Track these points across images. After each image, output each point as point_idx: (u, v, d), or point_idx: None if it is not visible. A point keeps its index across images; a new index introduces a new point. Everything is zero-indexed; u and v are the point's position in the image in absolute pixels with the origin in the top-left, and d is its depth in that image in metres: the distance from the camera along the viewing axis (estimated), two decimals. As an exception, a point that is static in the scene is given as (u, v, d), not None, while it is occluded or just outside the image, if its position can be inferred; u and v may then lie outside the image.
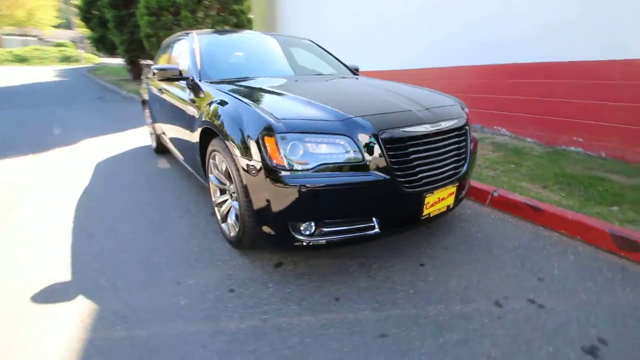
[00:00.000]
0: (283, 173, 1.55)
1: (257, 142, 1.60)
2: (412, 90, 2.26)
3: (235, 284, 1.76)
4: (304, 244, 1.64)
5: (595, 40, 3.29)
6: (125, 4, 12.49)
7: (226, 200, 2.13)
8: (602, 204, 2.49)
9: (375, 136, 1.61)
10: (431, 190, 1.74)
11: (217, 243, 2.17)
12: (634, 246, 1.90)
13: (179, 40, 3.54)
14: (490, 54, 4.32)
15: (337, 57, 3.41)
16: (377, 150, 1.60)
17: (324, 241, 1.64)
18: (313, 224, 1.62)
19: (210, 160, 2.13)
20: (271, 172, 1.56)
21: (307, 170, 1.55)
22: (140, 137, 5.42)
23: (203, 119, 2.06)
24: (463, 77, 4.69)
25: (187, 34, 3.04)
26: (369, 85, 2.39)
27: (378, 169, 1.61)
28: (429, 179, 1.73)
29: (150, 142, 4.72)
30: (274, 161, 1.56)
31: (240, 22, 11.24)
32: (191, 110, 2.38)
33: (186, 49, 2.98)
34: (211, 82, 2.38)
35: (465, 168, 1.95)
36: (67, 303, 1.65)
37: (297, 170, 1.55)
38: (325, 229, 1.63)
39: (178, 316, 1.55)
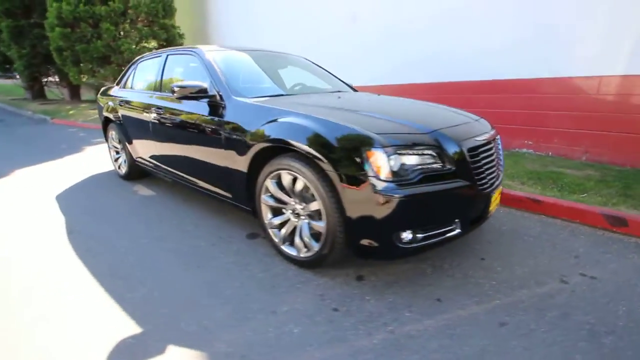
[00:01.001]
0: (388, 185, 1.60)
1: (359, 157, 1.63)
2: (442, 106, 2.51)
3: (335, 303, 1.72)
4: (406, 251, 1.71)
5: (538, 62, 4.06)
6: (25, 12, 10.71)
7: (286, 220, 2.06)
8: (574, 193, 3.06)
9: (460, 145, 1.78)
10: (493, 191, 1.98)
11: (280, 266, 2.07)
12: (623, 222, 2.42)
13: (155, 57, 3.29)
14: (447, 74, 4.94)
15: (334, 74, 3.54)
16: (461, 158, 1.77)
17: (420, 246, 1.73)
18: (411, 231, 1.70)
19: (269, 180, 2.04)
20: (376, 185, 1.60)
21: (409, 181, 1.64)
22: (88, 163, 4.74)
23: (268, 137, 1.96)
24: (424, 93, 5.24)
25: (190, 50, 2.82)
26: (411, 101, 2.59)
27: (462, 175, 1.77)
28: (492, 181, 1.97)
29: (112, 167, 4.16)
30: (379, 175, 1.61)
31: (171, 37, 10.61)
32: (226, 131, 2.24)
33: (192, 66, 2.79)
34: (248, 99, 2.30)
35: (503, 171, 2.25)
36: (162, 357, 1.41)
37: (400, 182, 1.62)
38: (419, 235, 1.72)
39: (302, 344, 1.46)
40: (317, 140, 1.74)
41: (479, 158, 1.86)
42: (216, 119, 2.33)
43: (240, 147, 2.16)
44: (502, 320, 1.59)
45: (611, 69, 3.50)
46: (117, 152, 4.01)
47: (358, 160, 1.62)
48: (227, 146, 2.25)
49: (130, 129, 3.48)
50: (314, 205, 1.84)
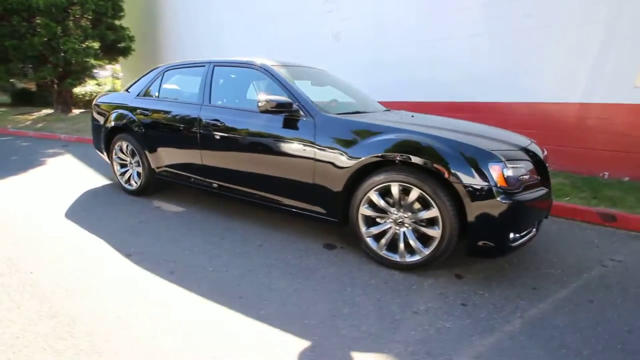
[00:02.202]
0: (506, 194, 1.90)
1: (485, 170, 1.90)
2: (492, 126, 2.91)
3: (458, 299, 1.94)
4: (510, 249, 2.02)
5: (510, 88, 4.86)
6: None
7: (388, 228, 2.23)
8: (560, 197, 3.77)
9: (541, 159, 2.18)
10: (549, 197, 2.43)
11: (383, 272, 2.21)
12: (613, 218, 3.11)
13: (192, 67, 3.20)
14: (428, 94, 5.56)
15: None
16: (542, 169, 2.17)
17: (517, 245, 2.06)
18: (515, 232, 2.02)
19: (372, 192, 2.18)
20: (497, 194, 1.89)
21: (517, 190, 1.96)
22: (67, 177, 4.28)
23: (384, 152, 2.11)
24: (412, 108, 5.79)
25: (249, 63, 2.80)
26: (469, 122, 2.87)
27: (544, 183, 2.17)
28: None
29: (106, 182, 3.76)
30: (499, 185, 1.90)
31: (120, 39, 9.76)
32: (320, 147, 2.33)
33: (253, 80, 2.79)
34: (336, 115, 2.43)
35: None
36: (351, 362, 1.47)
37: (512, 191, 1.93)
38: (518, 235, 2.06)
39: (464, 335, 1.65)
40: (443, 156, 1.98)
41: (547, 169, 2.29)
42: (306, 134, 2.40)
43: (339, 162, 2.27)
44: (589, 298, 1.99)
45: (571, 97, 4.39)
46: (123, 166, 3.67)
47: (484, 172, 1.90)
48: (320, 161, 2.34)
49: (156, 140, 3.25)
50: (429, 214, 2.05)
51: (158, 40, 10.52)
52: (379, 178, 2.16)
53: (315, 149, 2.35)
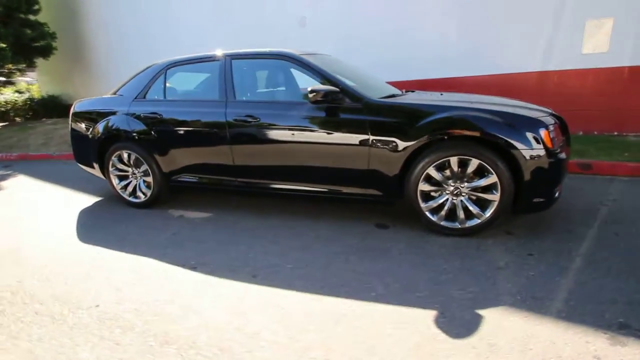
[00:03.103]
0: (553, 154, 2.19)
1: (538, 135, 2.15)
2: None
3: (524, 251, 2.21)
4: (554, 203, 2.34)
5: (478, 63, 5.33)
6: None
7: (445, 200, 2.41)
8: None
9: (563, 122, 2.51)
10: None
11: (446, 241, 2.39)
12: (589, 166, 3.70)
13: (204, 62, 3.00)
14: (400, 73, 5.84)
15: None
16: (566, 132, 2.51)
17: (556, 199, 2.38)
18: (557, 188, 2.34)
19: (431, 168, 2.33)
20: (550, 154, 2.17)
21: (559, 150, 2.26)
22: (37, 197, 3.80)
23: (451, 129, 2.27)
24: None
25: (276, 53, 2.71)
26: (491, 96, 3.08)
27: (568, 144, 2.52)
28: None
29: (106, 196, 3.39)
30: (549, 147, 2.17)
31: (39, 36, 8.46)
32: (373, 131, 2.41)
33: (282, 71, 2.71)
34: (382, 100, 2.51)
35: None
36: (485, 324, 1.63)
37: (557, 151, 2.23)
38: (557, 191, 2.38)
39: (555, 276, 1.91)
40: (500, 127, 2.19)
41: (568, 131, 2.65)
42: (357, 121, 2.45)
43: (396, 145, 2.37)
44: (614, 231, 2.41)
45: (530, 67, 4.99)
46: (123, 178, 3.33)
47: (536, 137, 2.16)
48: (375, 146, 2.42)
49: (171, 145, 3.00)
50: (488, 181, 2.26)
51: (83, 37, 9.31)
52: (437, 154, 2.32)
53: (369, 135, 2.42)
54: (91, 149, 3.34)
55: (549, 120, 2.35)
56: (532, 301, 1.75)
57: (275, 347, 1.55)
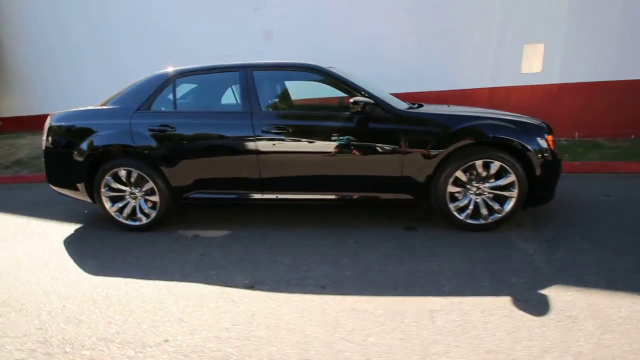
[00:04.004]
0: (555, 155, 2.62)
1: (544, 140, 2.56)
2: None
3: (543, 237, 2.57)
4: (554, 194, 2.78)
5: (437, 79, 5.95)
6: None
7: (469, 200, 2.68)
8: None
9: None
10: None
11: (475, 236, 2.65)
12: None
13: (220, 72, 2.90)
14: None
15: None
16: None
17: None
18: (555, 183, 2.78)
19: (459, 172, 2.58)
20: (554, 155, 2.59)
21: (557, 151, 2.70)
22: (13, 235, 3.30)
23: (478, 137, 2.54)
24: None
25: (305, 66, 2.73)
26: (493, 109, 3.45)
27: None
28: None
29: (83, 222, 2.99)
30: (553, 149, 2.59)
31: None
32: (406, 140, 2.59)
33: (306, 82, 2.73)
34: (410, 110, 2.69)
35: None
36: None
37: (556, 152, 2.66)
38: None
39: (579, 263, 2.25)
40: (518, 133, 2.55)
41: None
42: (390, 131, 2.61)
43: (428, 152, 2.58)
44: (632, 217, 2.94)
45: (481, 84, 5.76)
46: (117, 199, 2.96)
47: (545, 141, 2.56)
48: (409, 153, 2.59)
49: (185, 161, 2.78)
50: (507, 180, 2.59)
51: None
52: (464, 159, 2.58)
53: (403, 144, 2.59)
54: (75, 168, 2.90)
55: (548, 127, 2.81)
56: (573, 277, 2.07)
57: (392, 350, 1.57)
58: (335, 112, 2.73)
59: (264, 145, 2.69)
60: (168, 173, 2.81)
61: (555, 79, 5.25)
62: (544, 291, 1.96)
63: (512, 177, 2.60)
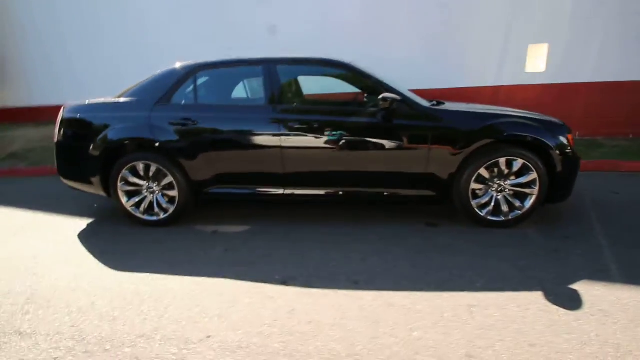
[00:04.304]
0: (575, 152, 2.67)
1: (566, 138, 2.60)
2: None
3: (562, 235, 2.63)
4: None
5: (442, 77, 5.99)
6: None
7: (491, 196, 2.72)
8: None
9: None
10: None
11: (497, 232, 2.70)
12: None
13: (241, 66, 2.86)
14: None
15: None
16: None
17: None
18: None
19: (483, 169, 2.61)
20: (574, 153, 2.65)
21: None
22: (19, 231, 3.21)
23: (503, 135, 2.59)
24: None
25: (330, 62, 2.71)
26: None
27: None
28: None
29: (91, 219, 2.93)
30: (573, 147, 2.65)
31: None
32: (434, 137, 2.61)
33: (327, 77, 2.71)
34: (436, 107, 2.73)
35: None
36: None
37: (575, 150, 2.72)
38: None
39: (602, 258, 2.30)
40: (543, 132, 2.59)
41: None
42: (416, 126, 2.63)
43: (453, 148, 2.60)
44: None
45: (486, 82, 5.82)
46: (133, 194, 2.89)
47: (567, 139, 2.61)
48: (434, 149, 2.61)
49: (207, 155, 2.73)
50: (529, 178, 2.63)
51: None
52: (488, 156, 2.61)
53: (429, 139, 2.60)
54: (90, 162, 2.82)
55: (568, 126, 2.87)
56: (598, 272, 2.13)
57: (438, 345, 1.59)
58: (361, 107, 2.72)
59: (288, 140, 2.66)
60: (188, 167, 2.76)
61: (557, 79, 5.35)
62: (573, 286, 2.01)
63: (533, 175, 2.65)
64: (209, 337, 1.68)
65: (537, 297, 1.92)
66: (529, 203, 2.70)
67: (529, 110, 3.08)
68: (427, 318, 1.77)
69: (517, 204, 2.72)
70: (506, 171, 2.67)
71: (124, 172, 2.82)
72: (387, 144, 2.63)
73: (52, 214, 3.37)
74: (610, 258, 2.31)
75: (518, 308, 1.84)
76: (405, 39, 5.92)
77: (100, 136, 2.79)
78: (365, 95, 3.29)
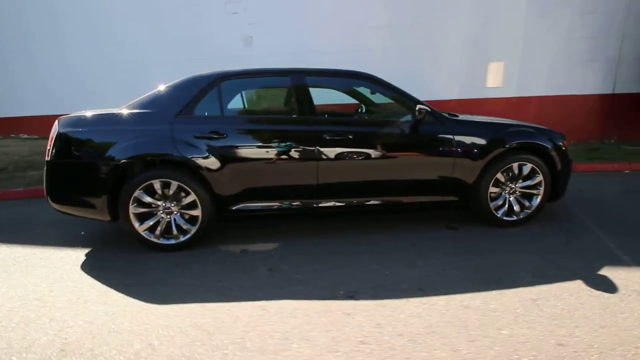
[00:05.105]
0: (569, 156, 3.06)
1: (563, 144, 2.97)
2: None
3: (565, 229, 2.96)
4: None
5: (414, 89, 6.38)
6: None
7: (505, 199, 2.98)
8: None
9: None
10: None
11: (512, 231, 2.95)
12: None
13: (270, 76, 2.79)
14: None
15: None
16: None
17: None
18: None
19: (500, 174, 2.87)
20: (568, 157, 3.02)
21: (568, 153, 3.17)
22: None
23: (519, 143, 2.88)
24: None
25: (355, 72, 2.74)
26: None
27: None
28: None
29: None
30: (567, 152, 3.02)
31: None
32: (457, 146, 2.79)
33: (355, 89, 2.77)
34: (456, 118, 2.91)
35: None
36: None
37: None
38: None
39: (609, 250, 2.65)
40: (548, 139, 2.92)
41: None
42: (444, 136, 2.79)
43: (476, 156, 2.81)
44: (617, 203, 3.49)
45: (452, 95, 6.36)
46: (145, 217, 2.59)
47: (563, 145, 2.98)
48: (460, 157, 2.79)
49: (236, 170, 2.57)
50: (536, 180, 2.94)
51: None
52: (503, 162, 2.87)
53: (454, 147, 2.78)
54: (95, 182, 2.46)
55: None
56: (613, 259, 2.45)
57: (530, 339, 1.68)
58: (392, 118, 2.81)
59: (324, 152, 2.63)
60: (215, 184, 2.56)
61: (513, 93, 6.09)
62: (600, 272, 2.29)
63: (540, 177, 2.97)
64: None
65: (580, 285, 2.15)
66: (536, 202, 3.02)
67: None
68: (505, 316, 1.87)
69: (527, 203, 3.02)
70: (517, 175, 2.96)
71: (138, 192, 2.51)
72: (421, 152, 2.76)
73: (31, 246, 2.84)
74: (613, 246, 2.67)
75: (571, 296, 2.03)
76: (380, 53, 6.24)
77: (109, 152, 2.46)
78: (361, 106, 3.42)
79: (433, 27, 6.07)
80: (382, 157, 2.73)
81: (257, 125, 2.68)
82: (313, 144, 2.61)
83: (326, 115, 2.83)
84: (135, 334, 1.78)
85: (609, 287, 2.12)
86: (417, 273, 2.33)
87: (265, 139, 2.62)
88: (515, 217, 3.02)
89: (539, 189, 3.00)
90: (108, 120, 2.58)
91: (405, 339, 1.71)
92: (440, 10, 6.06)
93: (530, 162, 2.91)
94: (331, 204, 2.76)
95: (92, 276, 2.36)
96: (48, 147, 2.52)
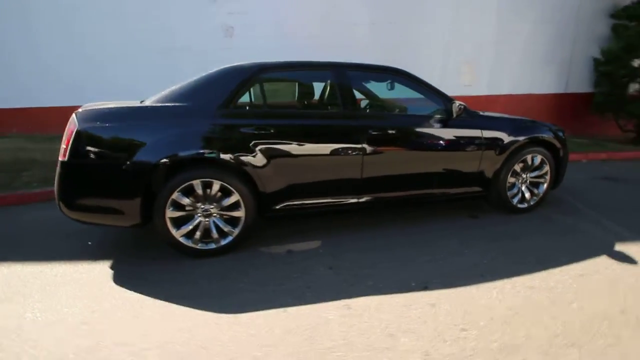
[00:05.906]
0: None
1: (563, 137, 3.30)
2: None
3: (572, 220, 3.30)
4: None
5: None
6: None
7: (519, 188, 3.24)
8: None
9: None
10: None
11: (524, 216, 3.21)
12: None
13: (312, 69, 2.71)
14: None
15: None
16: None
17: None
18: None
19: (517, 165, 3.12)
20: (567, 148, 3.38)
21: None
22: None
23: (530, 138, 3.12)
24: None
25: (393, 70, 2.77)
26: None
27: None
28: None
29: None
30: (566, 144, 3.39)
31: None
32: (485, 140, 2.98)
33: (389, 84, 2.83)
34: (481, 113, 3.09)
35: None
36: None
37: (565, 146, 3.49)
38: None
39: (610, 241, 3.02)
40: (553, 133, 3.22)
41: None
42: (474, 131, 2.95)
43: (499, 149, 3.02)
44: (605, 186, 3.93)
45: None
46: (183, 221, 2.36)
47: (564, 137, 3.32)
48: (486, 150, 2.96)
49: (285, 167, 2.45)
50: (545, 170, 3.25)
51: None
52: (520, 154, 3.13)
53: (482, 141, 2.95)
54: (126, 184, 2.17)
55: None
56: (621, 239, 2.79)
57: (596, 311, 1.88)
58: (432, 113, 2.89)
59: (368, 147, 2.61)
60: (261, 182, 2.40)
61: (484, 91, 6.62)
62: (616, 250, 2.61)
63: (546, 168, 3.29)
64: (427, 354, 1.57)
65: (606, 263, 2.42)
66: (543, 189, 3.34)
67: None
68: (567, 293, 2.06)
69: (536, 191, 3.33)
70: (530, 165, 3.25)
71: (176, 194, 2.26)
72: (456, 146, 2.91)
73: (33, 262, 2.40)
74: (613, 227, 3.04)
75: (607, 269, 2.30)
76: (361, 50, 6.33)
77: (143, 151, 2.17)
78: (361, 100, 3.49)
79: (411, 28, 6.35)
80: (422, 150, 2.82)
81: (303, 120, 2.57)
82: (359, 139, 2.59)
83: (369, 110, 2.82)
84: (230, 348, 1.62)
85: (629, 265, 2.40)
86: (469, 260, 2.44)
87: (312, 134, 2.54)
88: (526, 204, 3.31)
89: (545, 178, 3.33)
90: (138, 114, 2.27)
91: (498, 322, 1.80)
92: (418, 13, 6.37)
93: (540, 154, 3.22)
94: (373, 197, 2.77)
95: (131, 289, 2.08)
96: (63, 145, 2.15)
